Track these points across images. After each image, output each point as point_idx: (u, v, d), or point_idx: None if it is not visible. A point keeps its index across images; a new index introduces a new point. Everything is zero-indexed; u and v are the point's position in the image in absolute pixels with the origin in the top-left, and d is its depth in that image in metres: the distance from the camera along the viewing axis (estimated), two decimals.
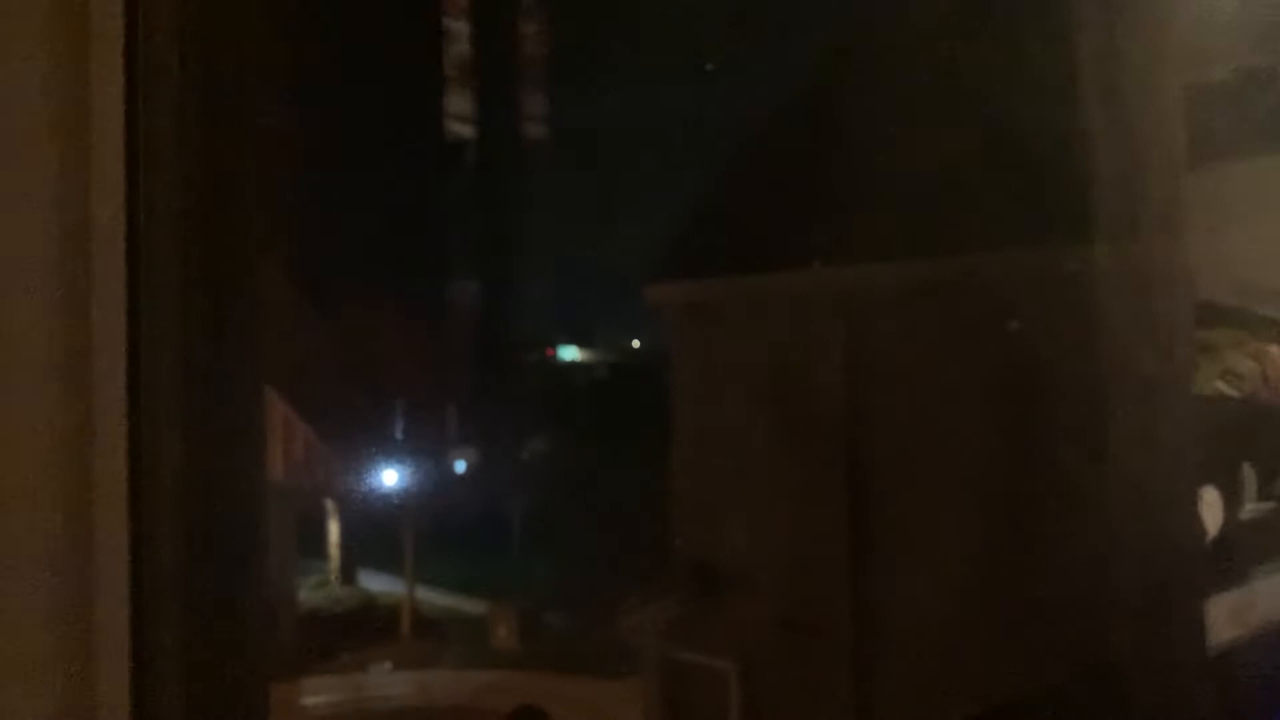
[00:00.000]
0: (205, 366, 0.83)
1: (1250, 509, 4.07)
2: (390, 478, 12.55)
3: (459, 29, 12.97)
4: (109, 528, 0.76)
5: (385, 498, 12.60)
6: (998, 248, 4.12)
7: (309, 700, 7.47)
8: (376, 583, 12.62)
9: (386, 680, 9.03)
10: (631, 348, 12.52)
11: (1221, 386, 4.04)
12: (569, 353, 13.59)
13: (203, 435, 0.83)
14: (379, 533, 12.44)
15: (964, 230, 4.25)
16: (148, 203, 0.80)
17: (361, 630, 10.41)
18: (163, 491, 0.79)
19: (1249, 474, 4.07)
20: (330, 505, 12.53)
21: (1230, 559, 3.38)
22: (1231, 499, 3.91)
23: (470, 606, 11.41)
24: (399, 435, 12.22)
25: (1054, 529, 4.06)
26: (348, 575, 13.09)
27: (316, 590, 12.72)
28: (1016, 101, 3.44)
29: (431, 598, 11.65)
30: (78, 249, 0.77)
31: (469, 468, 12.99)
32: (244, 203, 0.88)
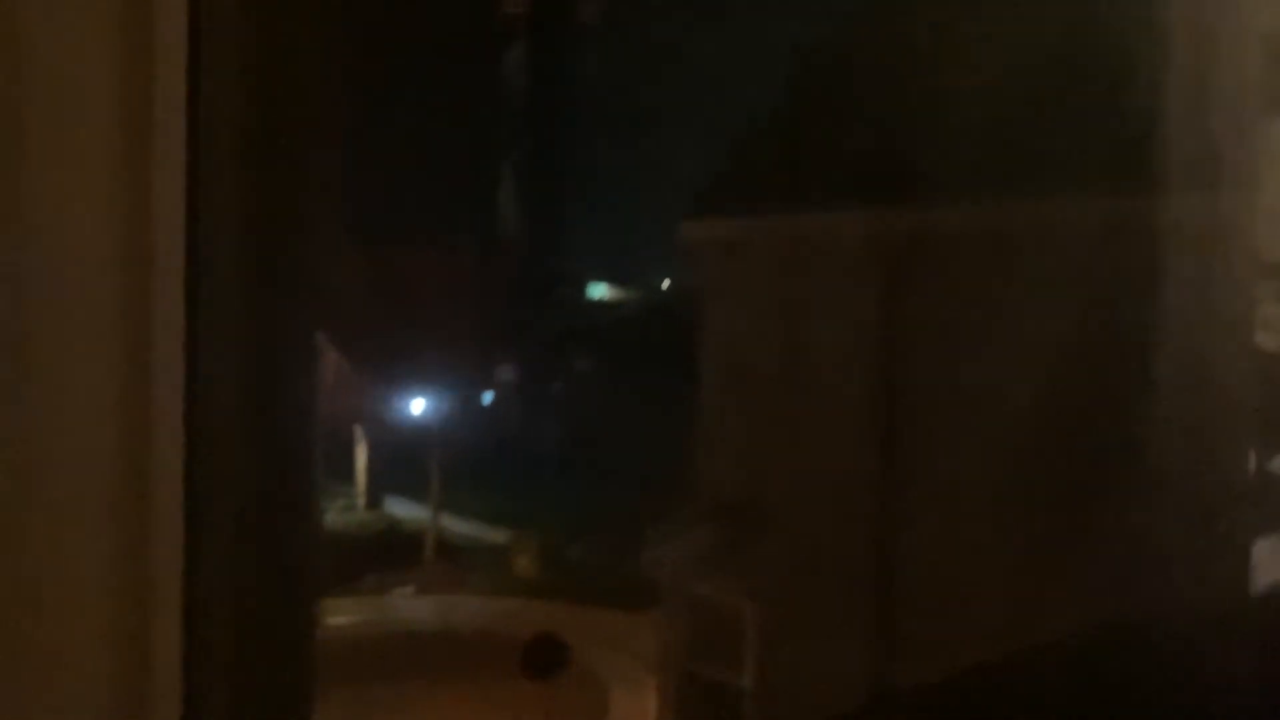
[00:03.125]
0: (261, 308, 0.84)
1: None
2: (419, 406, 12.61)
3: None
4: (165, 471, 0.77)
5: (413, 425, 12.68)
6: (1052, 195, 4.03)
7: (332, 621, 7.58)
8: (402, 509, 12.75)
9: (408, 604, 9.15)
10: (663, 285, 12.44)
11: None
12: (599, 289, 13.55)
13: (259, 376, 0.83)
14: (406, 460, 12.54)
15: (1018, 176, 4.16)
16: (206, 129, 0.80)
17: (386, 554, 10.53)
18: (217, 428, 0.79)
19: None
20: (359, 431, 12.63)
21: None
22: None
23: (494, 535, 11.51)
24: (429, 364, 12.26)
25: (1097, 473, 4.02)
26: (374, 500, 13.24)
27: (343, 514, 12.87)
28: (1083, 39, 3.34)
29: (455, 525, 11.76)
30: (135, 177, 0.77)
31: (497, 399, 13.04)
32: (302, 137, 0.88)
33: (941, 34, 4.38)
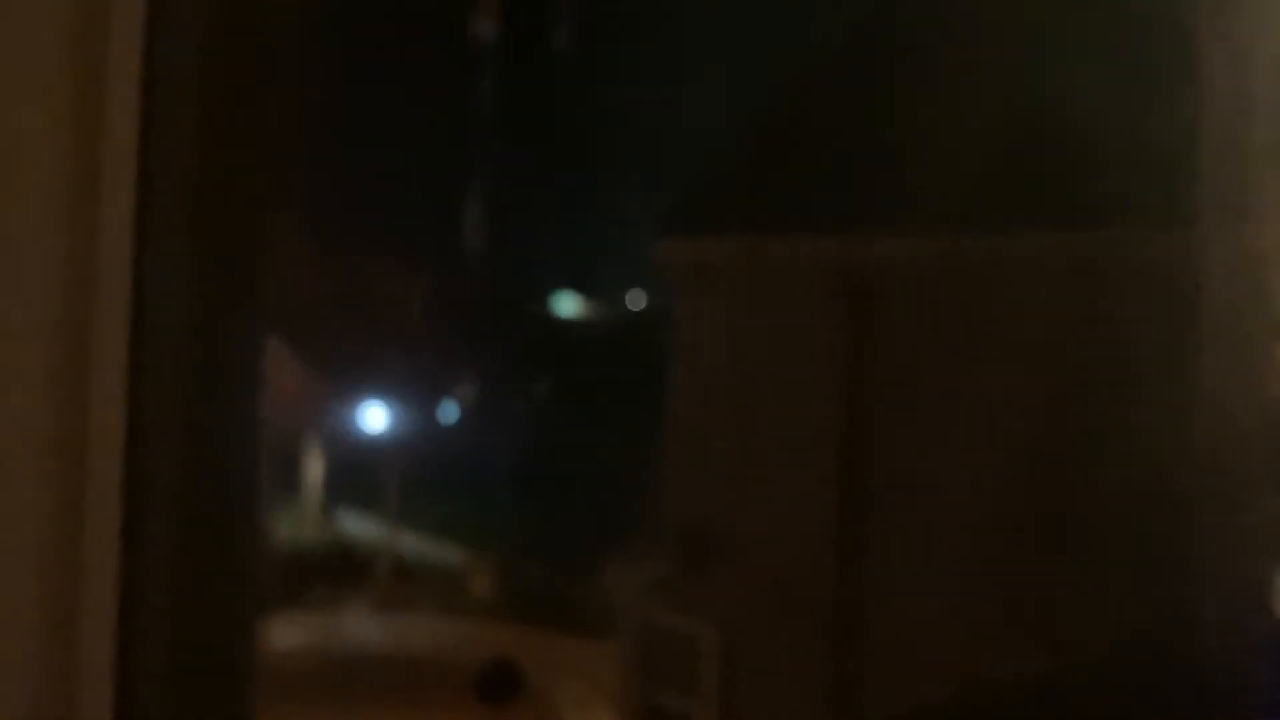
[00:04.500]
0: (207, 311, 0.80)
1: None
2: (377, 419, 12.45)
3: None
4: (102, 476, 0.73)
5: (371, 439, 12.52)
6: (1039, 229, 4.00)
7: (279, 640, 7.39)
8: (356, 524, 12.56)
9: (359, 623, 8.96)
10: (631, 304, 12.38)
11: None
12: (568, 306, 13.44)
13: (203, 381, 0.79)
14: (362, 474, 12.37)
15: (1013, 210, 4.12)
16: (158, 128, 0.76)
17: (337, 571, 10.34)
18: (158, 433, 0.75)
19: None
20: (313, 442, 12.44)
21: None
22: None
23: (450, 554, 11.36)
24: (388, 374, 12.12)
25: (1071, 509, 3.99)
26: (326, 514, 13.03)
27: (293, 527, 12.66)
28: (1079, 62, 3.29)
29: (411, 542, 11.60)
30: (86, 179, 0.73)
31: (459, 416, 12.90)
32: (257, 142, 0.84)
33: (927, 61, 4.34)
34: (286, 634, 9.04)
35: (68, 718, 0.71)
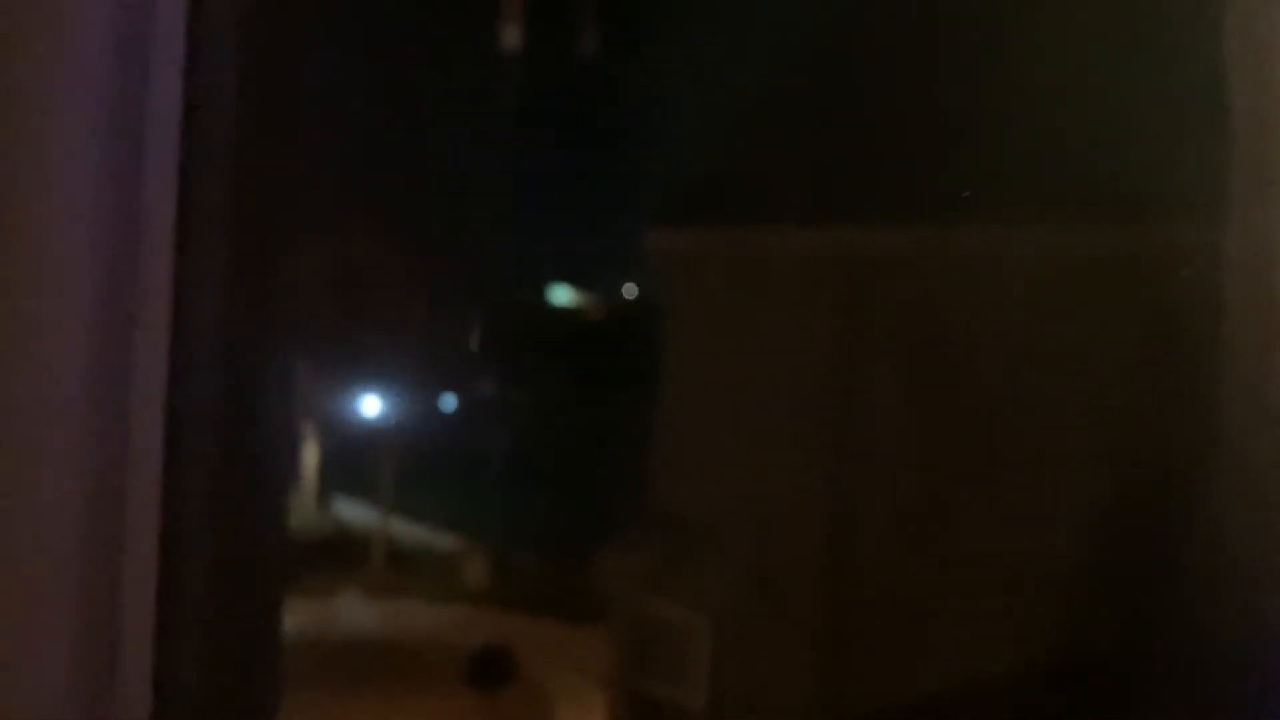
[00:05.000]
0: (248, 311, 0.83)
1: None
2: (372, 407, 12.47)
3: None
4: (143, 473, 0.75)
5: (366, 425, 12.54)
6: (1032, 220, 3.98)
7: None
8: (351, 511, 12.58)
9: (353, 609, 9.00)
10: (625, 294, 12.41)
11: None
12: (561, 295, 13.47)
13: (241, 382, 0.82)
14: (357, 461, 12.39)
15: (1006, 199, 4.11)
16: (201, 120, 0.78)
17: (332, 558, 10.38)
18: (198, 434, 0.78)
19: None
20: (310, 430, 12.46)
21: None
22: None
23: (444, 541, 11.39)
24: (385, 366, 12.14)
25: (1062, 497, 4.00)
26: (322, 502, 13.06)
27: (290, 515, 12.63)
28: (1083, 47, 3.26)
29: (405, 530, 11.63)
30: (126, 173, 0.75)
31: (454, 404, 12.92)
32: (293, 135, 0.87)
33: (920, 51, 4.35)
34: (285, 621, 9.04)
35: (107, 710, 0.74)
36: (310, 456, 13.69)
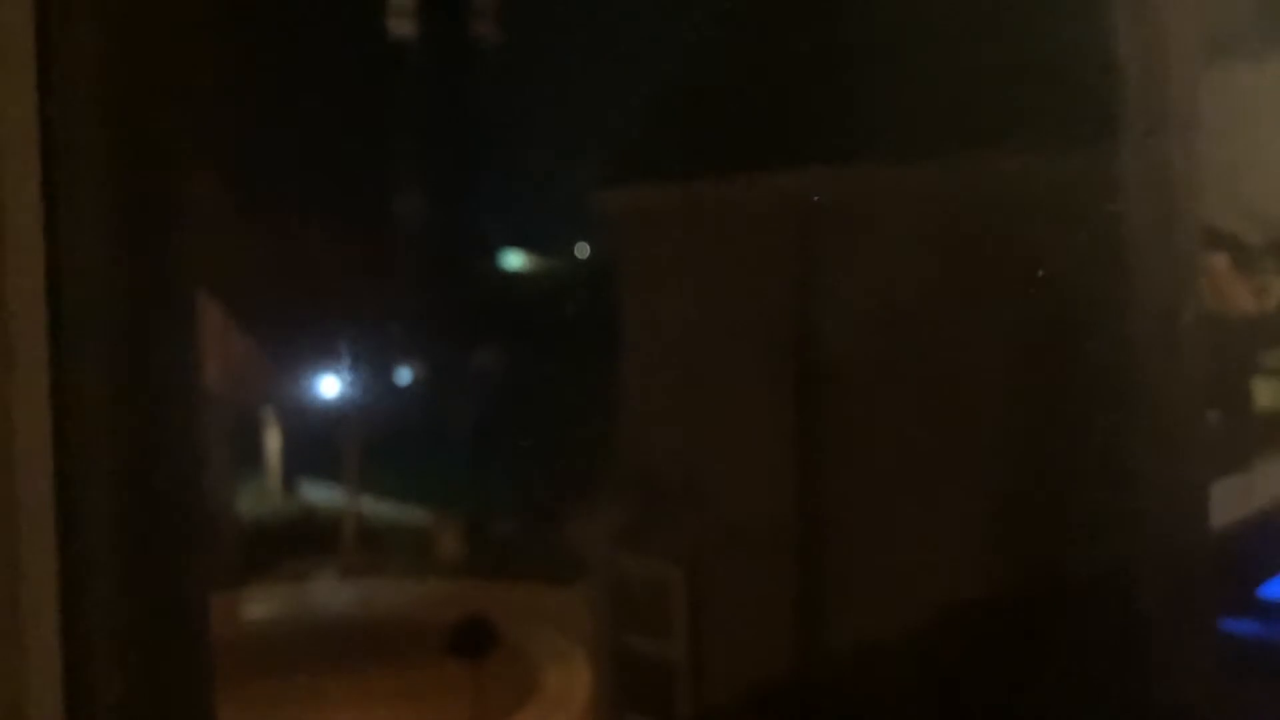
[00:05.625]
0: (132, 277, 0.79)
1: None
2: (331, 386, 12.36)
3: None
4: (31, 459, 0.72)
5: (327, 406, 12.43)
6: (978, 149, 4.05)
7: (248, 613, 7.37)
8: (319, 493, 12.50)
9: (329, 591, 8.95)
10: (580, 255, 12.33)
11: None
12: (514, 260, 13.38)
13: (131, 348, 0.78)
14: (321, 443, 12.28)
15: (946, 133, 4.17)
16: (62, 95, 0.75)
17: (303, 540, 10.30)
18: (91, 415, 0.75)
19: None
20: (270, 414, 12.34)
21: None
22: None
23: (414, 516, 11.34)
24: (341, 343, 12.02)
25: (1032, 440, 4.11)
26: (289, 485, 12.96)
27: (256, 501, 12.55)
28: None
29: (375, 508, 11.57)
30: None
31: (413, 377, 12.84)
32: (171, 92, 0.83)
33: None
34: (256, 607, 8.97)
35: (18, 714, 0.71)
36: (273, 442, 13.53)
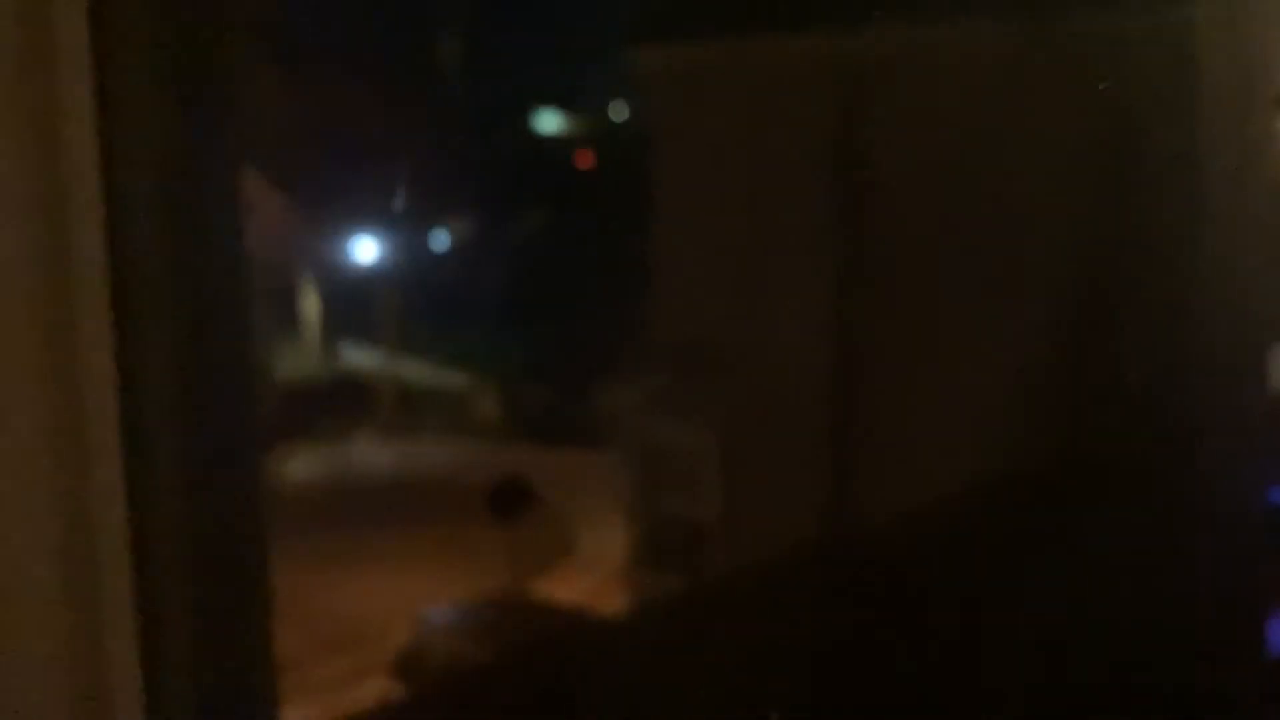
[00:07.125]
0: (182, 146, 0.79)
1: None
2: (369, 250, 12.39)
3: None
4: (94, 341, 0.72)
5: (366, 270, 12.48)
6: (1031, 12, 3.86)
7: (288, 473, 7.54)
8: (359, 356, 12.63)
9: (368, 452, 9.12)
10: (613, 116, 12.13)
11: None
12: (550, 123, 13.21)
13: (183, 221, 0.78)
14: (359, 307, 12.37)
15: None
16: None
17: (342, 403, 10.46)
18: (147, 287, 0.75)
19: None
20: (309, 277, 12.41)
21: None
22: None
23: (453, 380, 11.47)
24: (380, 206, 12.00)
25: (1076, 310, 4.00)
26: (328, 349, 13.10)
27: (296, 364, 12.73)
28: None
29: (413, 371, 11.70)
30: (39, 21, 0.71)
31: (451, 242, 12.82)
32: None
33: None
34: (297, 467, 9.20)
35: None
36: (311, 306, 13.66)
